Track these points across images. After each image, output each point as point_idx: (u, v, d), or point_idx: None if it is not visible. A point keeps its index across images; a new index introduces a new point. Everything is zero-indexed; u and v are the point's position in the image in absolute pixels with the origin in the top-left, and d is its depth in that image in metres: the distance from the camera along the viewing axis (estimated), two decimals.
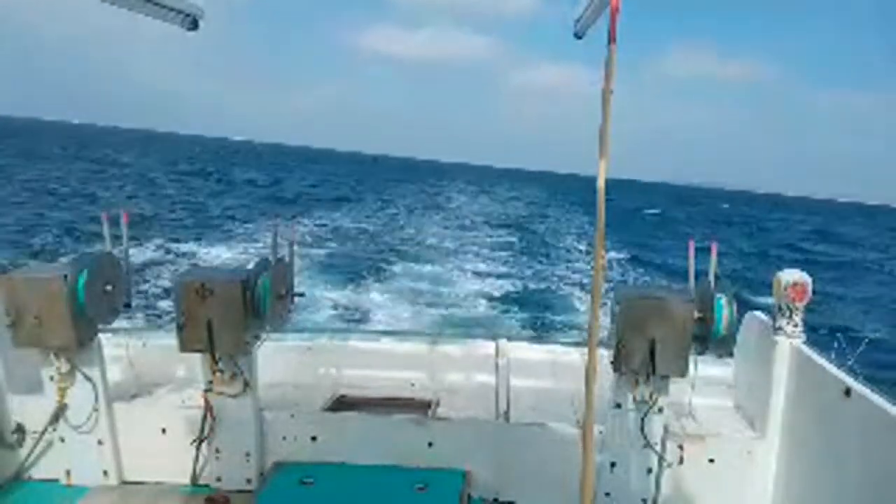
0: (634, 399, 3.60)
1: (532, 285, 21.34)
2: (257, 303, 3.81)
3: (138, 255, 17.31)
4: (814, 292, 3.62)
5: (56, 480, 4.02)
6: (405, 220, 37.75)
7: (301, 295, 4.37)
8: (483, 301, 18.10)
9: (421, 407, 4.41)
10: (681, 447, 3.72)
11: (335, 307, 15.40)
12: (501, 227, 37.88)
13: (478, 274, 22.12)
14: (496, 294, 19.16)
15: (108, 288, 3.87)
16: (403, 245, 27.25)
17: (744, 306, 3.73)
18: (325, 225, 31.20)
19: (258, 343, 3.99)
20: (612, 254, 28.35)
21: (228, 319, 3.73)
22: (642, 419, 3.59)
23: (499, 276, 22.13)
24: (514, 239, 32.97)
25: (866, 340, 3.99)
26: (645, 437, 3.61)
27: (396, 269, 21.31)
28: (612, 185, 2.13)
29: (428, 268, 22.07)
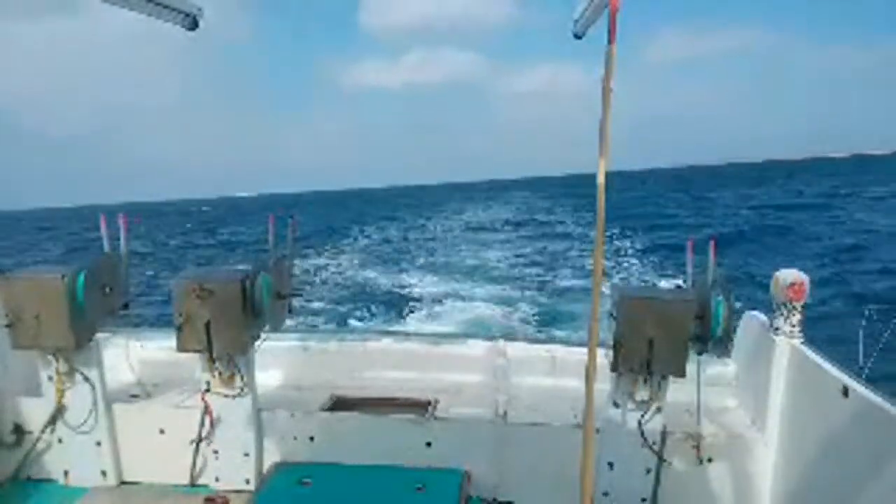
0: (633, 399, 3.60)
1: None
2: (256, 303, 3.80)
3: None
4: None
5: (55, 481, 4.01)
6: None
7: (299, 295, 4.36)
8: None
9: (419, 407, 4.40)
10: (680, 447, 3.73)
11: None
12: None
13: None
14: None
15: (107, 289, 3.87)
16: None
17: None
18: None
19: (257, 343, 3.98)
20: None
21: (227, 319, 3.72)
22: (641, 419, 3.60)
23: None
24: None
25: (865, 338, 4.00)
26: (644, 437, 3.61)
27: None
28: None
29: None
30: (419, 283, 22.46)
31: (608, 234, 29.72)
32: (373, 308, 18.37)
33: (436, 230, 45.43)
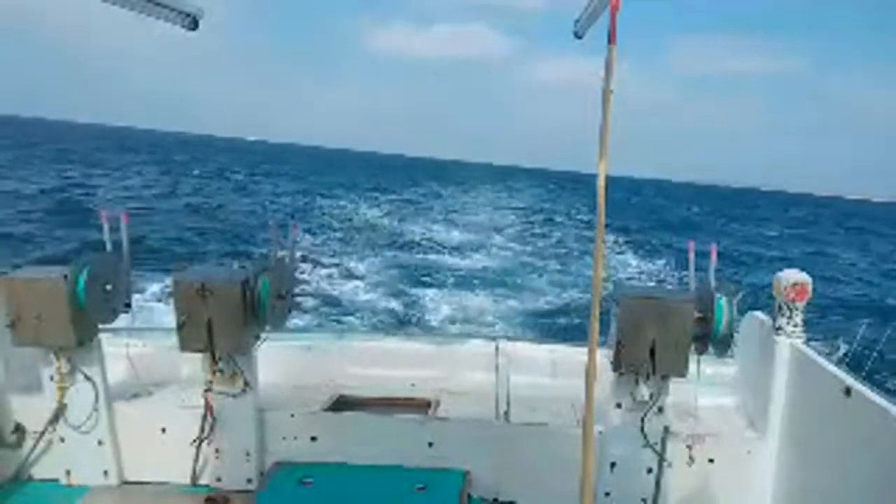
0: (634, 399, 3.59)
1: None
2: (257, 302, 3.81)
3: None
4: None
5: (56, 480, 4.02)
6: None
7: (300, 295, 4.36)
8: None
9: (421, 407, 4.40)
10: (681, 447, 3.72)
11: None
12: None
13: None
14: None
15: (109, 288, 3.87)
16: None
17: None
18: None
19: (258, 343, 3.99)
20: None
21: (228, 319, 3.72)
22: (642, 419, 3.59)
23: None
24: None
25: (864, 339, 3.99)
26: (645, 437, 3.61)
27: None
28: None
29: None
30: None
31: None
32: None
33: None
